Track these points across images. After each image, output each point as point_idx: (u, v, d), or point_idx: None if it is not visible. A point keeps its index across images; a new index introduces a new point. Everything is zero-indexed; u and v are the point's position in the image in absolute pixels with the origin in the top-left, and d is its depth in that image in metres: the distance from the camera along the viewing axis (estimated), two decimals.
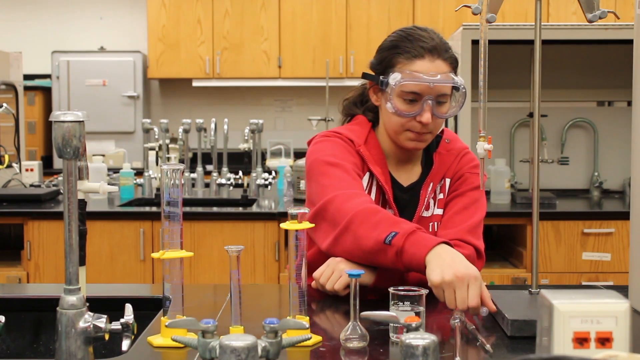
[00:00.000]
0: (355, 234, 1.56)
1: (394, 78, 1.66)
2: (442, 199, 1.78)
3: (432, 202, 1.78)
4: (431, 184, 1.77)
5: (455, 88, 1.69)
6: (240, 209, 3.52)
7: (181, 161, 4.13)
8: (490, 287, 1.75)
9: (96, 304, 1.33)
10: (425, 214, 1.76)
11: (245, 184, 3.98)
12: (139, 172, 4.16)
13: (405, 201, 1.76)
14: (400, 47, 1.68)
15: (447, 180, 1.79)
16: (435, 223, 1.77)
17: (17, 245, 3.48)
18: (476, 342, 1.29)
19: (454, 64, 1.69)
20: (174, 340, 1.14)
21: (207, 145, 4.18)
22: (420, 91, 1.65)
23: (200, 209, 3.66)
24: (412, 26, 1.73)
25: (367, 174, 1.74)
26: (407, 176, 1.80)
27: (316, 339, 1.30)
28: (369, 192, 1.73)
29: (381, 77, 1.70)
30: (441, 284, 1.41)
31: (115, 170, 4.20)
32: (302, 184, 3.50)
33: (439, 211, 1.78)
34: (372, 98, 1.77)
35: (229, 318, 1.30)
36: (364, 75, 1.76)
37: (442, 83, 1.65)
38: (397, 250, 1.49)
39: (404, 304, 1.33)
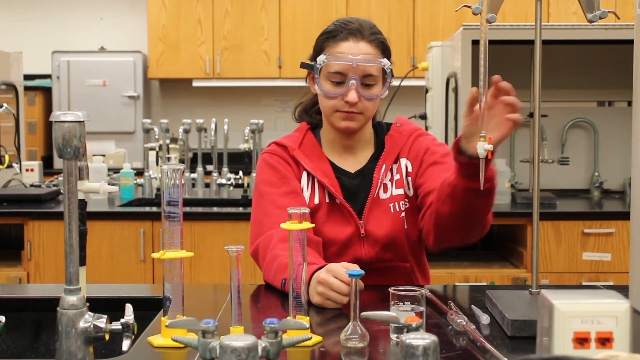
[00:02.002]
0: (273, 279, 1.70)
1: (320, 59, 1.77)
2: (400, 179, 1.83)
3: (389, 184, 1.83)
4: (384, 166, 1.83)
5: (384, 72, 1.77)
6: (241, 209, 3.52)
7: (181, 161, 4.13)
8: (490, 287, 1.75)
9: (96, 304, 1.33)
10: (383, 196, 1.82)
11: (246, 184, 3.97)
12: (139, 172, 4.16)
13: (355, 186, 1.84)
14: (328, 32, 1.80)
15: (403, 160, 1.84)
16: (396, 203, 1.81)
17: (17, 245, 3.48)
18: (476, 342, 1.29)
19: (381, 47, 1.78)
20: (174, 340, 1.14)
21: (207, 146, 4.18)
22: (344, 71, 1.74)
23: (200, 209, 3.67)
24: (346, 17, 1.84)
25: (305, 173, 1.83)
26: (356, 162, 1.87)
27: (316, 339, 1.30)
28: (312, 188, 1.82)
29: (312, 63, 1.81)
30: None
31: (116, 170, 4.20)
32: None
33: (399, 191, 1.83)
34: (311, 88, 1.87)
35: (229, 318, 1.30)
36: (302, 65, 1.86)
37: (364, 63, 1.73)
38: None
39: (404, 304, 1.33)
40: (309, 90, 1.92)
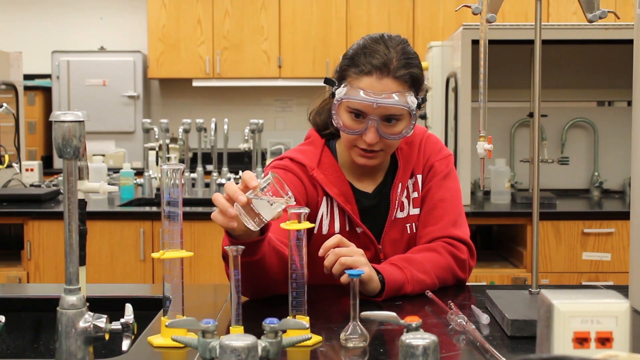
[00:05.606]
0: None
1: (339, 92, 1.61)
2: (417, 197, 1.75)
3: (405, 201, 1.74)
4: (400, 185, 1.73)
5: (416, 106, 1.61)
6: None
7: (181, 161, 4.13)
8: (490, 287, 1.75)
9: (96, 304, 1.33)
10: (400, 215, 1.73)
11: None
12: (139, 172, 4.17)
13: (374, 207, 1.73)
14: (354, 59, 1.61)
15: (419, 177, 1.75)
16: (413, 224, 1.75)
17: (17, 245, 3.48)
18: (476, 342, 1.29)
19: (410, 82, 1.60)
20: (174, 340, 1.14)
21: (207, 145, 4.18)
22: (364, 109, 1.59)
23: (200, 209, 3.66)
24: (378, 35, 1.64)
25: (324, 197, 1.70)
26: (374, 180, 1.76)
27: (316, 339, 1.30)
28: (331, 214, 1.70)
29: (333, 88, 1.65)
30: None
31: (116, 170, 4.20)
32: None
33: (416, 211, 1.75)
34: (333, 104, 1.71)
35: (229, 318, 1.30)
36: (325, 80, 1.69)
37: (384, 103, 1.56)
38: None
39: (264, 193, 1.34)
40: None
